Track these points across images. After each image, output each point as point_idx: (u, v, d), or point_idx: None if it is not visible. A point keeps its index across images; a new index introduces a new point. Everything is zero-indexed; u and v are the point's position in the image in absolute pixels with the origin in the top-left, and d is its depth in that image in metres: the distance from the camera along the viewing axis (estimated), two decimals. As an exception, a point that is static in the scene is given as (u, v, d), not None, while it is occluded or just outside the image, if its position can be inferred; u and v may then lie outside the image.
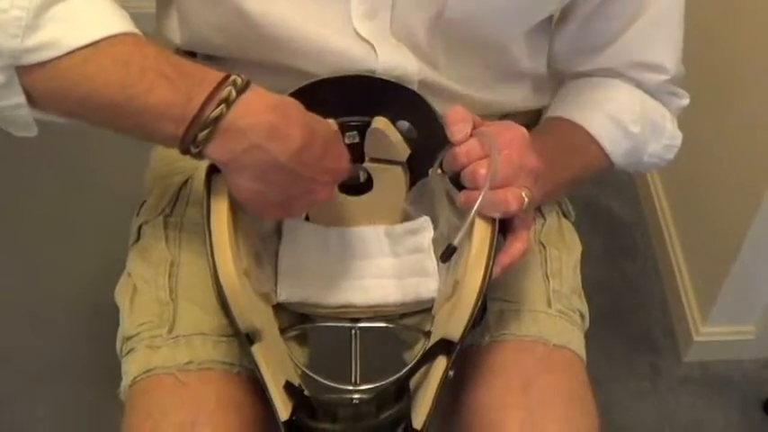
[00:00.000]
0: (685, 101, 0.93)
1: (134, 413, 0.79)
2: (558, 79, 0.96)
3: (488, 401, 0.81)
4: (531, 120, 0.99)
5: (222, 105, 0.65)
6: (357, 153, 0.82)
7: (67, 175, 1.90)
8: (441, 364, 0.72)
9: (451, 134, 0.73)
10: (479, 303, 0.70)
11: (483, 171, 0.71)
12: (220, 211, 0.71)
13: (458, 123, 0.73)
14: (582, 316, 0.91)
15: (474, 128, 0.73)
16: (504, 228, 0.75)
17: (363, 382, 0.83)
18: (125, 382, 0.82)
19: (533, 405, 0.79)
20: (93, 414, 1.45)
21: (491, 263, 0.70)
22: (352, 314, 0.84)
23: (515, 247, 0.75)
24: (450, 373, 0.73)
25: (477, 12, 0.79)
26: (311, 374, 0.82)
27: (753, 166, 1.43)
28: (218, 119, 0.64)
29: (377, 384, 0.80)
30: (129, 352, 0.83)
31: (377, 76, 0.78)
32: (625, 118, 0.88)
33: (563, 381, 0.82)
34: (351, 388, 0.82)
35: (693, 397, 1.64)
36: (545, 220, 0.94)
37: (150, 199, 0.93)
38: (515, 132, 0.74)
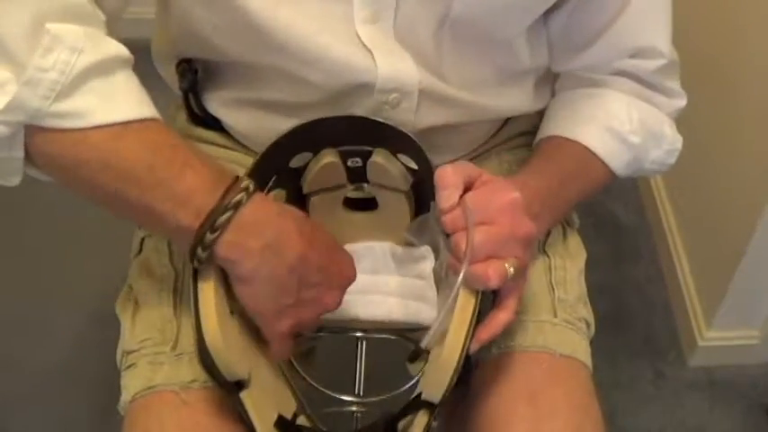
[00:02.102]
0: (682, 102, 0.92)
1: (133, 430, 0.79)
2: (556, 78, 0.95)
3: (495, 414, 0.80)
4: (533, 123, 0.98)
5: (243, 193, 0.67)
6: (360, 176, 0.82)
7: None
8: (423, 418, 0.72)
9: (439, 200, 0.72)
10: (456, 375, 0.69)
11: (464, 246, 0.70)
12: (207, 271, 0.70)
13: (446, 188, 0.71)
14: (587, 324, 0.90)
15: (468, 184, 0.72)
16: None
17: (366, 395, 0.82)
18: (125, 397, 0.81)
19: (540, 416, 0.79)
20: (95, 423, 1.45)
21: (469, 338, 0.70)
22: (357, 328, 0.84)
23: (498, 318, 0.74)
24: (434, 424, 0.73)
25: (483, 9, 0.78)
26: (315, 385, 0.82)
27: (757, 170, 1.43)
28: (239, 204, 0.66)
29: (379, 398, 0.80)
30: (129, 366, 0.82)
31: (373, 118, 0.78)
32: (624, 130, 0.87)
33: (569, 391, 0.82)
34: (353, 399, 0.82)
35: (698, 402, 1.63)
36: (549, 230, 0.93)
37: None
38: (506, 198, 0.72)
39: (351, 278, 0.75)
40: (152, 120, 0.68)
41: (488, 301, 0.75)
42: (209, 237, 0.66)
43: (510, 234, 0.71)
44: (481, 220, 0.70)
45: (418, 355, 0.72)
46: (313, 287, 0.71)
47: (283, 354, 0.76)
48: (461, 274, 0.69)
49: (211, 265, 0.69)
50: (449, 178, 0.72)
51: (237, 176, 0.69)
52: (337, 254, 0.75)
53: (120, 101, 0.66)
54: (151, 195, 0.66)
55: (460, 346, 0.69)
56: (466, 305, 0.70)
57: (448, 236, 0.72)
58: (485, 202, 0.71)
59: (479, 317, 0.72)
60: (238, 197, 0.66)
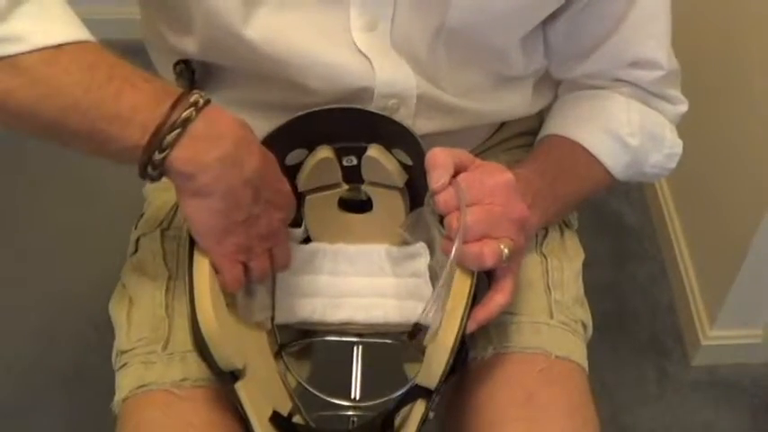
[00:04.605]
0: (683, 107, 0.92)
1: (124, 429, 0.79)
2: (555, 82, 0.95)
3: (490, 414, 0.80)
4: (531, 124, 0.98)
5: (192, 108, 0.65)
6: (355, 175, 0.82)
7: (71, 184, 1.90)
8: (420, 406, 0.72)
9: (430, 181, 0.71)
10: (453, 356, 0.69)
11: (456, 225, 0.69)
12: (203, 259, 0.70)
13: (436, 170, 0.70)
14: (584, 326, 0.90)
15: (460, 168, 0.71)
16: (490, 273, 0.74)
17: (363, 399, 0.82)
18: (118, 396, 0.82)
19: (535, 417, 0.79)
20: (96, 426, 1.45)
21: (465, 318, 0.69)
22: (354, 331, 0.84)
23: (494, 300, 0.74)
24: (431, 414, 0.73)
25: (479, 19, 0.78)
26: (311, 389, 0.82)
27: (760, 169, 1.43)
28: (187, 121, 0.64)
29: (375, 402, 0.80)
30: (123, 366, 0.83)
31: (367, 108, 0.77)
32: (623, 131, 0.87)
33: (564, 392, 0.82)
34: (349, 404, 0.82)
35: (702, 401, 1.63)
36: (546, 231, 0.93)
37: (148, 211, 0.93)
38: (499, 179, 0.72)
39: (293, 203, 0.76)
40: (89, 42, 0.65)
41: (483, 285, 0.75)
42: (157, 156, 0.64)
43: (503, 214, 0.71)
44: (474, 199, 0.70)
45: (418, 331, 0.70)
46: (263, 204, 0.70)
47: (234, 282, 0.73)
48: (453, 250, 0.68)
49: (207, 269, 0.69)
50: (439, 159, 0.71)
51: (185, 91, 0.66)
52: (280, 174, 0.75)
53: (54, 24, 0.64)
54: (92, 117, 0.63)
55: (457, 327, 0.69)
56: (462, 286, 0.70)
57: (442, 221, 0.72)
58: (477, 182, 0.71)
59: (474, 301, 0.72)
60: (186, 113, 0.64)
